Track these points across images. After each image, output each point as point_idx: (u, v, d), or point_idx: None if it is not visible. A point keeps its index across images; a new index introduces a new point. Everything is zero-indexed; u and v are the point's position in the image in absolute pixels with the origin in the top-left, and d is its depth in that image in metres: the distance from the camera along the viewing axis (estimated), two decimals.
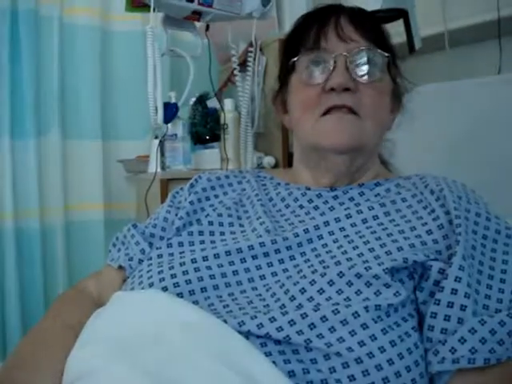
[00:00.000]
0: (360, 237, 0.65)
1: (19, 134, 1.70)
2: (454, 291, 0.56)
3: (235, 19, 1.21)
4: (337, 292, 0.57)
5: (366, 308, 0.54)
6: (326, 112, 0.71)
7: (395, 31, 1.22)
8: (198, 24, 1.22)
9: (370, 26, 0.74)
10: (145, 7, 1.11)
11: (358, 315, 0.54)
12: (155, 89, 1.07)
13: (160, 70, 1.07)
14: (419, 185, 0.71)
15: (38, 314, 1.68)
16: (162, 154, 1.52)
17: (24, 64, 1.69)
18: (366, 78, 0.71)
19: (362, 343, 0.52)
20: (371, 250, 0.62)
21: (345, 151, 0.71)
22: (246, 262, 0.64)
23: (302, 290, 0.58)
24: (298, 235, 0.66)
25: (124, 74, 1.89)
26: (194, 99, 1.62)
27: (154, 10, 1.07)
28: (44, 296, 1.72)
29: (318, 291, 0.57)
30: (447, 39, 1.30)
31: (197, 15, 1.14)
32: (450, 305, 0.55)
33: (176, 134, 1.52)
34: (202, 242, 0.70)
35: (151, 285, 0.63)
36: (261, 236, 0.67)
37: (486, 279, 0.58)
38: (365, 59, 0.71)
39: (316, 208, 0.73)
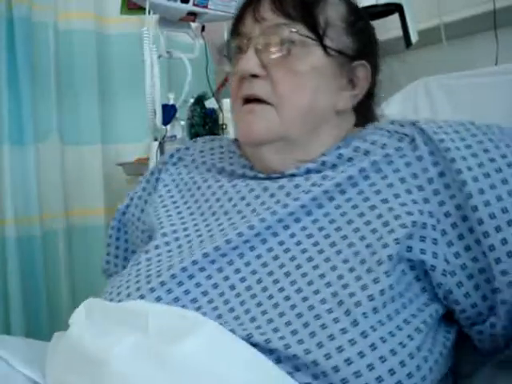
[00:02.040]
0: (341, 237, 0.58)
1: (18, 140, 1.70)
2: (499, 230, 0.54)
3: (230, 19, 1.21)
4: (314, 292, 0.54)
5: (357, 302, 0.52)
6: (244, 102, 0.66)
7: (391, 25, 1.22)
8: (193, 25, 1.22)
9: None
10: (140, 10, 1.11)
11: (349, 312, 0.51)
12: (153, 91, 1.07)
13: (157, 71, 1.07)
14: (394, 142, 0.62)
15: (41, 320, 1.68)
16: None
17: (21, 70, 1.69)
18: (273, 58, 0.64)
19: (352, 341, 0.50)
20: (350, 245, 0.57)
21: (259, 145, 0.66)
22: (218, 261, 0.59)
23: (281, 289, 0.55)
24: (270, 227, 0.60)
25: (121, 76, 1.89)
26: (192, 100, 1.62)
27: (149, 12, 1.07)
28: (47, 302, 1.72)
29: (294, 289, 0.55)
30: (443, 32, 1.30)
31: (192, 16, 1.14)
32: (504, 242, 0.54)
33: (175, 136, 1.52)
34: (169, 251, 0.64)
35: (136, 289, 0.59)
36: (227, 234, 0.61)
37: None
38: (272, 38, 0.64)
39: (281, 188, 0.65)
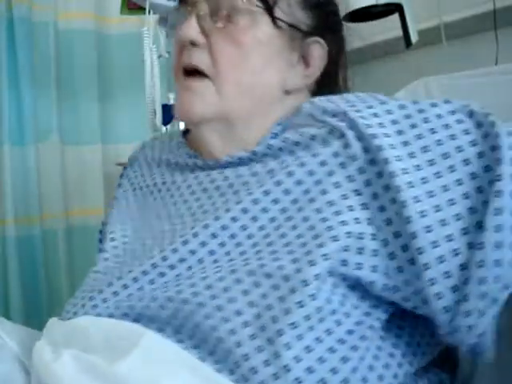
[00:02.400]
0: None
1: (19, 141, 1.70)
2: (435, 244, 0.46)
3: None
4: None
5: (292, 325, 0.46)
6: (185, 74, 0.61)
7: (391, 25, 1.22)
8: None
9: None
10: (140, 10, 1.11)
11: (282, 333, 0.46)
12: (153, 91, 1.07)
13: (157, 71, 1.07)
14: (324, 135, 0.54)
15: (41, 320, 1.68)
16: None
17: (21, 70, 1.69)
18: (215, 26, 0.58)
19: (275, 376, 0.45)
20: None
21: (197, 124, 0.62)
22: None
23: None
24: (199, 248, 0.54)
25: (121, 76, 1.89)
26: None
27: (149, 12, 1.07)
28: (47, 302, 1.72)
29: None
30: (443, 32, 1.30)
31: None
32: (441, 259, 0.46)
33: None
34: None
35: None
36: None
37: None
38: (216, 5, 0.58)
39: (217, 188, 0.59)
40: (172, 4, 1.08)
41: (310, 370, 0.45)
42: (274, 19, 0.59)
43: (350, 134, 0.51)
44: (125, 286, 0.55)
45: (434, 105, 0.52)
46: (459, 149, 0.49)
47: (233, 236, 0.54)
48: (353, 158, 0.51)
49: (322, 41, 0.62)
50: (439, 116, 0.51)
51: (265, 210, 0.54)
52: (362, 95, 0.56)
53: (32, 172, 1.72)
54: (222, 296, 0.49)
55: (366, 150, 0.50)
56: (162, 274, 0.54)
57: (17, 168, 1.69)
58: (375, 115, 0.52)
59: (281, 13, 0.59)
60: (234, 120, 0.60)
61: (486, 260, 0.44)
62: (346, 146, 0.52)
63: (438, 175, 0.48)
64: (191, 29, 0.59)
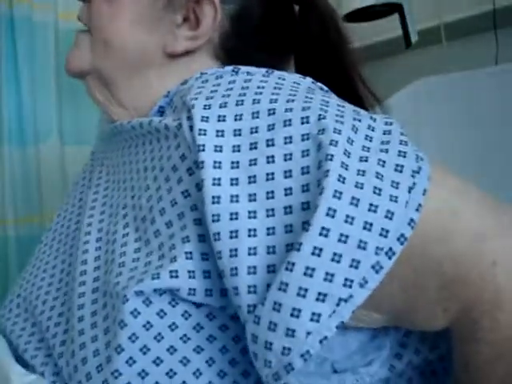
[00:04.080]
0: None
1: (19, 141, 1.71)
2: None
3: None
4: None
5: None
6: None
7: (391, 25, 1.23)
8: None
9: None
10: None
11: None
12: None
13: None
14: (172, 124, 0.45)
15: None
16: None
17: (21, 71, 1.70)
18: None
19: None
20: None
21: (77, 77, 0.61)
22: None
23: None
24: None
25: None
26: None
27: None
28: None
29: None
30: (443, 32, 1.30)
31: None
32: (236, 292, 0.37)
33: None
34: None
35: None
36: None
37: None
38: None
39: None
40: None
41: None
42: None
43: (190, 139, 0.41)
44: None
45: (286, 123, 0.39)
46: (287, 192, 0.37)
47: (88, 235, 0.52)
48: (189, 168, 0.42)
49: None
50: (287, 140, 0.39)
51: (125, 215, 0.48)
52: (237, 83, 0.44)
53: (32, 172, 1.72)
54: (86, 319, 0.45)
55: (195, 161, 0.40)
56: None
57: (17, 168, 1.70)
58: (221, 118, 0.41)
59: None
60: (107, 78, 0.57)
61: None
62: (190, 150, 0.41)
63: (253, 214, 0.38)
64: None
